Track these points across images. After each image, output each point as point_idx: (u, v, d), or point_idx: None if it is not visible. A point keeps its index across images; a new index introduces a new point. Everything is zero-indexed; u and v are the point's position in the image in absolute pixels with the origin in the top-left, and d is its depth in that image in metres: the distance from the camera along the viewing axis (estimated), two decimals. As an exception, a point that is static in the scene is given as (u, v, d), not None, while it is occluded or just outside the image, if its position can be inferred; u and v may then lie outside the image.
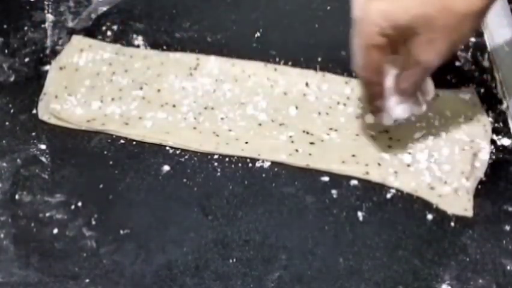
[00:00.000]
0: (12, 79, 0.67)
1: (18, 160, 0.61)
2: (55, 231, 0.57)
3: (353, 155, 0.61)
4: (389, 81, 0.55)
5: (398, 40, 0.52)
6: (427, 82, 0.57)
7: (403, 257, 0.56)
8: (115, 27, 0.71)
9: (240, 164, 0.61)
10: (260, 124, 0.63)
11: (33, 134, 0.63)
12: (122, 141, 0.63)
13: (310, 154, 0.61)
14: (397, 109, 0.56)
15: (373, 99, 0.57)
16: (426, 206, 0.58)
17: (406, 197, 0.58)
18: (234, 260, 0.56)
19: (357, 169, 0.60)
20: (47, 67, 0.68)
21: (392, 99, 0.56)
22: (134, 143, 0.63)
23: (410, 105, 0.56)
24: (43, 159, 0.61)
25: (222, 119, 0.64)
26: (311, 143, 0.62)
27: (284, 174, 0.60)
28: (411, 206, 0.58)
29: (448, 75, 0.67)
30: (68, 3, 0.73)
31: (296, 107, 0.64)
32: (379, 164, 0.60)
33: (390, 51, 0.53)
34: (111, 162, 0.61)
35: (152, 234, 0.57)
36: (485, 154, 0.61)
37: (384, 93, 0.55)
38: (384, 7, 0.51)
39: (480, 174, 0.60)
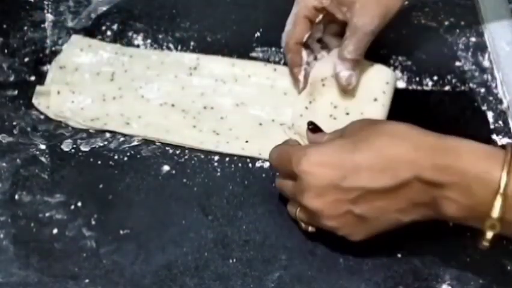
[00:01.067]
0: (12, 79, 0.67)
1: (18, 160, 0.61)
2: (55, 231, 0.57)
3: None
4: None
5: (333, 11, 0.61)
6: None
7: (403, 257, 0.56)
8: (114, 27, 0.71)
9: (240, 164, 0.61)
10: (260, 124, 0.63)
11: (33, 134, 0.63)
12: (122, 140, 0.63)
13: None
14: (349, 78, 0.60)
15: (292, 67, 0.64)
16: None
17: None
18: (234, 260, 0.56)
19: None
20: (47, 67, 0.68)
21: (343, 69, 0.60)
22: (134, 142, 0.63)
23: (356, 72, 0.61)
24: (43, 159, 0.61)
25: (221, 118, 0.64)
26: (312, 143, 0.62)
27: (284, 174, 0.60)
28: (412, 206, 0.58)
29: (448, 75, 0.67)
30: (68, 3, 0.73)
31: (296, 107, 0.64)
32: None
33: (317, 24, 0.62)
34: (111, 162, 0.61)
35: (152, 234, 0.57)
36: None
37: (301, 63, 0.63)
38: None
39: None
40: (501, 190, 0.45)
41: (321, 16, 0.62)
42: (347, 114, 0.61)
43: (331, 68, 0.62)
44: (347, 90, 0.61)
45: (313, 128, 0.58)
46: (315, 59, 0.64)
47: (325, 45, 0.65)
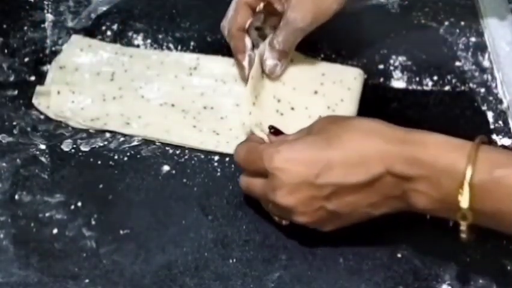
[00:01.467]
0: (12, 79, 0.67)
1: (18, 160, 0.61)
2: (55, 231, 0.57)
3: None
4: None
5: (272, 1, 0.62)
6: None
7: (403, 257, 0.56)
8: (114, 27, 0.71)
9: (240, 164, 0.61)
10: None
11: (33, 134, 0.63)
12: (122, 140, 0.63)
13: None
14: (273, 67, 0.63)
15: (236, 53, 0.64)
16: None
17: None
18: (234, 260, 0.56)
19: None
20: (47, 67, 0.68)
21: (269, 57, 0.63)
22: (134, 142, 0.63)
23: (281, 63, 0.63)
24: (43, 159, 0.61)
25: (221, 118, 0.64)
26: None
27: (284, 174, 0.60)
28: (412, 206, 0.58)
29: (448, 75, 0.67)
30: (68, 3, 0.73)
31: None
32: None
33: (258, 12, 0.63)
34: (111, 162, 0.61)
35: (152, 234, 0.57)
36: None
37: (245, 49, 0.64)
38: None
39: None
40: (467, 180, 0.45)
41: (262, 5, 0.63)
42: (292, 109, 0.63)
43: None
44: (271, 77, 0.63)
45: (275, 131, 0.59)
46: (253, 46, 0.65)
47: (262, 33, 0.66)
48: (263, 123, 0.61)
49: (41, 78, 0.67)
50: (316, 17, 0.60)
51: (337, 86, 0.64)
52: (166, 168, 0.61)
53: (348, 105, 0.63)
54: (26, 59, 0.68)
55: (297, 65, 0.65)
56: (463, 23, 0.71)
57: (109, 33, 0.70)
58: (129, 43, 0.70)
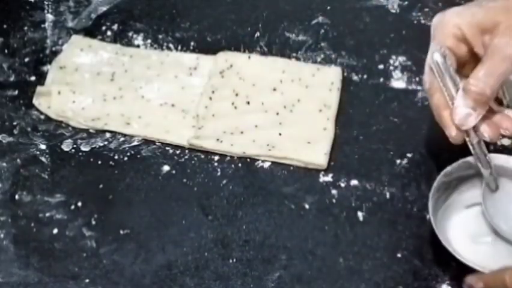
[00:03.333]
0: (12, 79, 0.67)
1: (18, 160, 0.61)
2: (55, 231, 0.57)
3: None
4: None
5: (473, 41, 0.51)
6: None
7: (403, 257, 0.56)
8: (115, 27, 0.71)
9: (240, 164, 0.61)
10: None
11: (34, 134, 0.63)
12: (122, 140, 0.63)
13: None
14: (464, 117, 0.51)
15: (439, 109, 0.52)
16: (426, 206, 0.58)
17: (406, 197, 0.58)
18: (234, 260, 0.56)
19: None
20: (47, 67, 0.68)
21: (461, 105, 0.50)
22: (134, 142, 0.63)
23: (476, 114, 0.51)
24: (43, 159, 0.61)
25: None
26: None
27: (284, 174, 0.60)
28: (411, 206, 0.58)
29: (448, 75, 0.67)
30: (68, 3, 0.73)
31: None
32: None
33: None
34: (111, 162, 0.61)
35: (152, 234, 0.57)
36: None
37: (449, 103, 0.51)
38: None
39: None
40: None
41: (464, 49, 0.52)
42: (248, 103, 0.63)
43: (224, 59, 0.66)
44: (460, 130, 0.51)
45: None
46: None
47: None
48: (215, 114, 0.63)
49: (41, 78, 0.67)
50: None
51: (295, 83, 0.64)
52: (166, 168, 0.61)
53: (305, 105, 0.63)
54: (26, 59, 0.68)
55: (260, 62, 0.66)
56: (463, 23, 0.71)
57: (109, 33, 0.70)
58: (129, 43, 0.70)
